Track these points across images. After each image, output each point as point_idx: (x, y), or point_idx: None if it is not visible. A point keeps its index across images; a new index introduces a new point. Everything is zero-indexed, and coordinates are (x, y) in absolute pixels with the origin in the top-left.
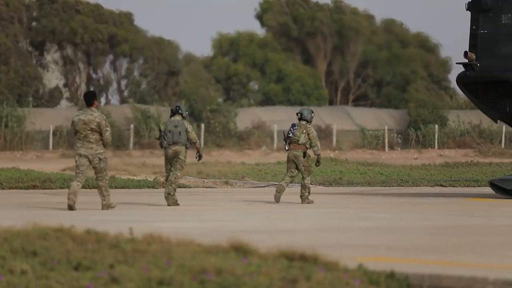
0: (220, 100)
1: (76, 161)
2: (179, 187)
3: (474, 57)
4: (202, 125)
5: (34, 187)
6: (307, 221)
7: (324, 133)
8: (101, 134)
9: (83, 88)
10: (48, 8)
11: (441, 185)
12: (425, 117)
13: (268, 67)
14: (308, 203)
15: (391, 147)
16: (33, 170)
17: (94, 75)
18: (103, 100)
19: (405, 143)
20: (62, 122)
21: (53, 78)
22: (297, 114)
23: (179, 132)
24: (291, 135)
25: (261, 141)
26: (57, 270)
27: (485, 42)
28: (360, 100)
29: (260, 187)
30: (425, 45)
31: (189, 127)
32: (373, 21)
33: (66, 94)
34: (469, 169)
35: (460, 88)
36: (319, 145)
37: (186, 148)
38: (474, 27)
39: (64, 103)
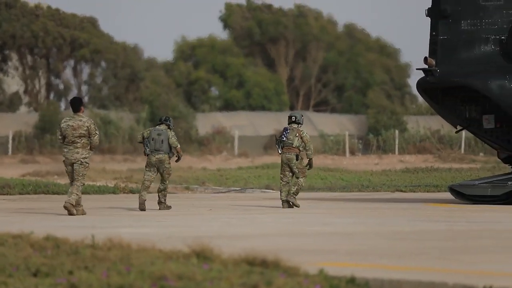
0: (181, 105)
1: (66, 169)
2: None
3: (434, 63)
4: None
5: None
6: (268, 226)
7: None
8: (89, 138)
9: (43, 94)
10: (5, 13)
11: (401, 191)
12: (385, 123)
13: (228, 72)
14: (294, 204)
15: (352, 152)
16: None
17: (54, 81)
18: (62, 105)
19: (366, 148)
20: (22, 127)
21: (13, 84)
22: (289, 117)
23: (162, 140)
24: (284, 139)
25: (222, 146)
26: (15, 276)
27: (445, 48)
28: (321, 106)
29: (221, 192)
30: (385, 51)
31: (171, 134)
32: (335, 27)
33: (25, 99)
34: (429, 174)
35: (420, 94)
36: (312, 148)
37: (169, 156)
38: (434, 33)
39: (23, 108)
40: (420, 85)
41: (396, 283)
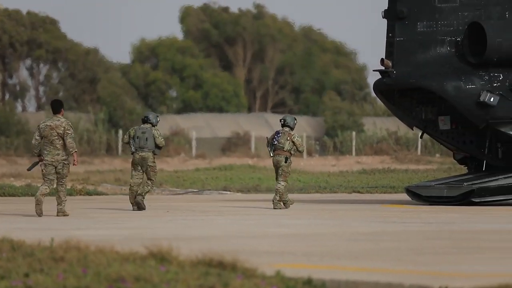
0: (138, 107)
1: (42, 170)
2: (97, 194)
3: (390, 64)
4: (120, 132)
5: None
6: (226, 228)
7: (243, 140)
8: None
9: None
10: None
11: (358, 192)
12: (342, 124)
13: (186, 73)
14: (280, 208)
15: (310, 154)
16: None
17: (10, 81)
18: (19, 106)
19: (323, 150)
20: None
21: None
22: (280, 120)
23: (146, 138)
24: (275, 142)
25: (180, 148)
26: None
27: (401, 49)
28: (279, 107)
29: (179, 194)
30: (342, 52)
31: (156, 133)
32: (292, 28)
33: None
34: (386, 175)
35: (376, 95)
36: (304, 148)
37: (154, 154)
38: (390, 34)
39: None
40: (377, 86)
41: (353, 284)
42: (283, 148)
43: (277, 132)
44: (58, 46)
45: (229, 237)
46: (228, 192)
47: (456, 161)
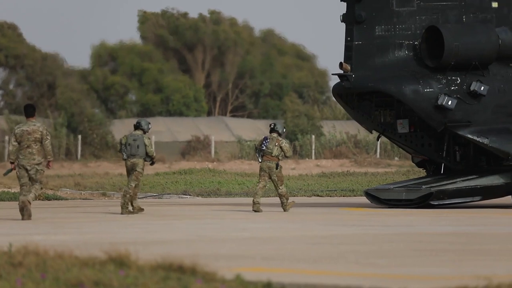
0: (97, 111)
1: (17, 173)
2: (56, 199)
3: (349, 68)
4: (79, 137)
5: None
6: (185, 232)
7: (202, 144)
8: (41, 144)
9: None
10: None
11: (318, 195)
12: (302, 128)
13: (145, 78)
14: (289, 209)
15: None
16: None
17: None
18: None
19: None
20: None
21: None
22: (270, 125)
23: (137, 146)
24: (264, 148)
25: None
26: None
27: (360, 53)
28: (238, 111)
29: (138, 198)
30: (302, 56)
31: (147, 141)
32: (251, 32)
33: None
34: (345, 179)
35: (335, 99)
36: (291, 154)
37: (144, 160)
38: (349, 38)
39: None
40: (336, 90)
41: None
42: (272, 153)
43: (265, 138)
44: (16, 51)
45: (188, 241)
46: (188, 196)
47: (414, 164)
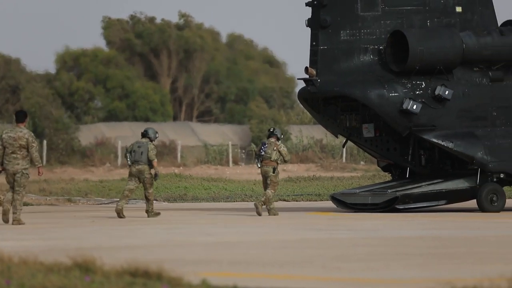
0: (64, 116)
1: (6, 179)
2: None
3: (314, 72)
4: (45, 142)
5: None
6: (151, 237)
7: (168, 149)
8: (28, 150)
9: None
10: None
11: (284, 200)
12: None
13: (109, 83)
14: (274, 214)
15: (235, 162)
16: None
17: None
18: None
19: (249, 158)
20: None
21: None
22: (269, 129)
23: (141, 152)
24: (263, 153)
25: (105, 157)
26: None
27: (325, 58)
28: (204, 116)
29: (104, 204)
30: (270, 61)
31: (150, 147)
32: (218, 37)
33: None
34: (312, 183)
35: (301, 104)
36: (289, 158)
37: (150, 166)
38: (314, 43)
39: None
40: (302, 94)
41: None
42: (270, 158)
43: (263, 143)
44: None
45: (154, 246)
46: (154, 201)
47: (380, 169)
